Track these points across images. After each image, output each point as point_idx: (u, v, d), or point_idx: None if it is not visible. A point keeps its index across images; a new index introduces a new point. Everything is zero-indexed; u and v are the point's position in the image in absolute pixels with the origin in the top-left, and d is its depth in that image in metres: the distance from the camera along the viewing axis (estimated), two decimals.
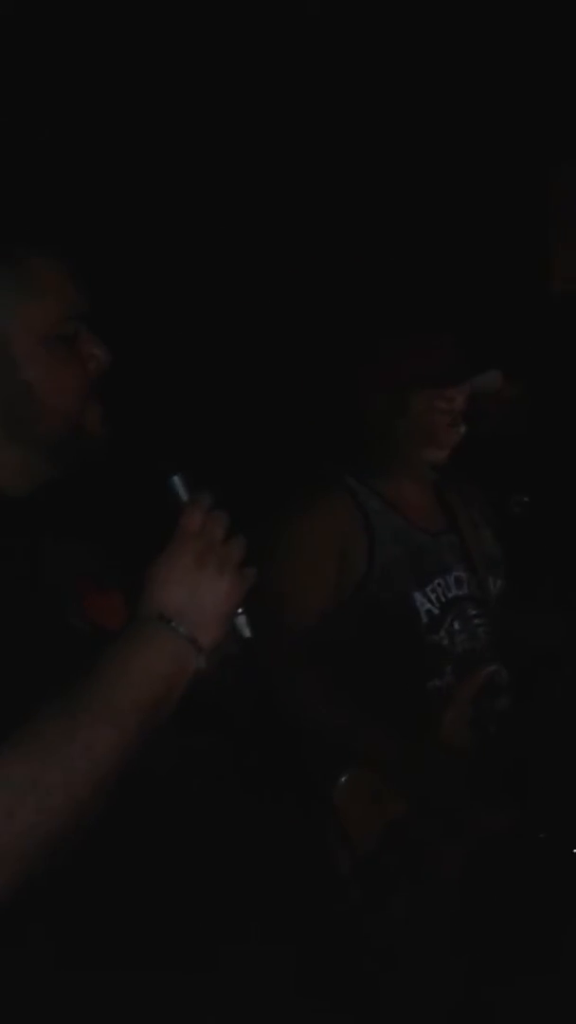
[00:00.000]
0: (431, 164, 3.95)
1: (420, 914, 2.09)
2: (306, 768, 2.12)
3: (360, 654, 2.14)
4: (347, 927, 2.09)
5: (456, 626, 2.21)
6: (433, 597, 2.20)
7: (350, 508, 2.17)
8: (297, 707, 2.06)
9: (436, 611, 2.19)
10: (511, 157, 4.05)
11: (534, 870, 2.38)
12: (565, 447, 3.14)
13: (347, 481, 2.21)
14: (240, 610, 1.28)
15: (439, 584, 2.21)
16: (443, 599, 2.21)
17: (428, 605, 2.18)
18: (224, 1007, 1.55)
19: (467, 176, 4.02)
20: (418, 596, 2.18)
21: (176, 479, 1.29)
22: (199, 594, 1.23)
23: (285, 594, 2.06)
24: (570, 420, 3.29)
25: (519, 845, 2.27)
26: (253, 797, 2.26)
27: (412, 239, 3.81)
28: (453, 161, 3.99)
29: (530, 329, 3.74)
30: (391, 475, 2.23)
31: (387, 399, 2.18)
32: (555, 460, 3.08)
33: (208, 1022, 1.59)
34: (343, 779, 2.06)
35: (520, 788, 2.24)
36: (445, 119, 3.92)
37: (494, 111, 3.93)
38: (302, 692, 2.05)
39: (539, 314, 3.91)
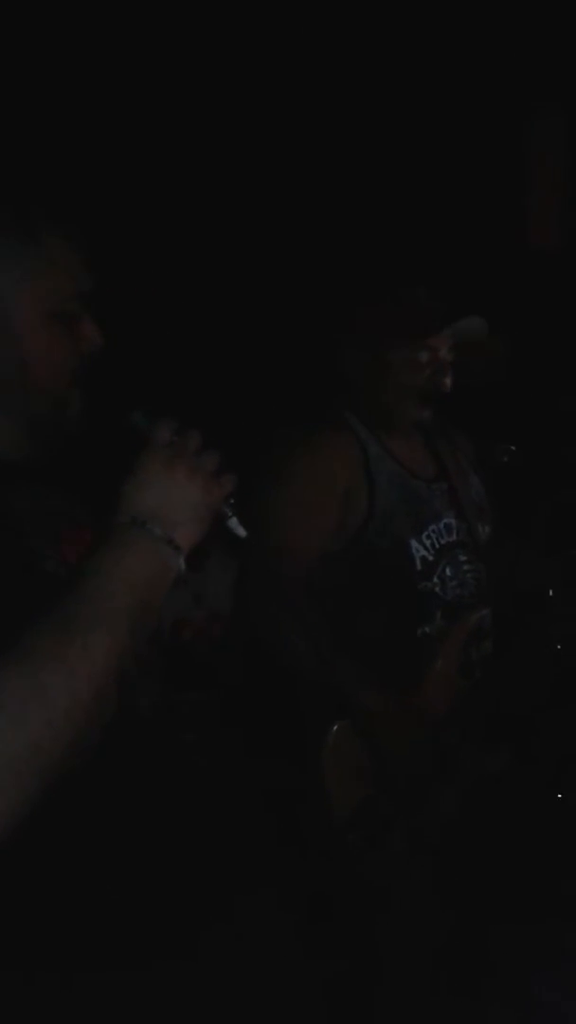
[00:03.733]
0: (407, 121, 3.93)
1: (415, 854, 2.13)
2: (297, 717, 2.15)
3: (352, 601, 2.16)
4: (343, 868, 2.12)
5: (448, 572, 2.23)
6: (428, 544, 2.22)
7: (353, 447, 2.18)
8: (289, 654, 2.08)
9: (430, 557, 2.21)
10: (487, 111, 4.03)
11: (527, 812, 2.42)
12: (543, 397, 3.16)
13: (350, 420, 2.22)
14: (230, 512, 1.30)
15: (433, 531, 2.23)
16: (437, 545, 2.23)
17: (423, 552, 2.21)
18: (221, 953, 1.57)
19: (442, 132, 4.00)
20: (414, 542, 2.20)
21: (136, 413, 1.34)
22: (170, 495, 1.25)
23: (287, 531, 2.07)
24: (548, 371, 3.31)
25: (513, 787, 2.31)
26: (245, 749, 2.28)
27: (389, 197, 3.80)
28: (429, 117, 3.96)
29: (508, 283, 3.75)
30: (382, 427, 2.24)
31: (368, 358, 2.20)
32: (535, 410, 3.10)
33: (205, 967, 1.62)
34: (335, 728, 2.08)
35: (509, 731, 2.28)
36: (421, 73, 3.89)
37: (471, 66, 3.90)
38: (295, 638, 2.07)
39: (516, 268, 3.91)
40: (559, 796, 2.46)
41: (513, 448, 2.21)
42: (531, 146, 4.06)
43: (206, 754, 2.27)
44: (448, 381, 2.20)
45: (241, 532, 1.32)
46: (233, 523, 1.32)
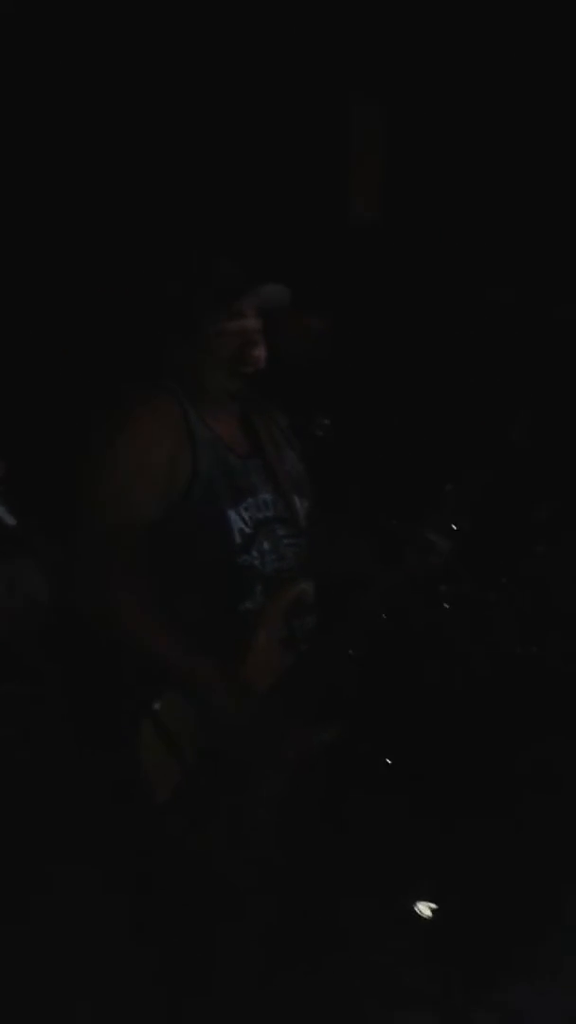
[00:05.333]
0: (226, 95, 3.90)
1: (243, 835, 2.11)
2: (117, 698, 2.10)
3: (175, 575, 2.13)
4: (170, 853, 2.09)
5: (266, 546, 2.23)
6: (247, 516, 2.21)
7: (177, 414, 2.18)
8: (116, 621, 2.04)
9: (248, 530, 2.20)
10: (308, 87, 4.04)
11: (357, 785, 2.44)
12: (364, 372, 3.19)
13: (174, 390, 2.22)
14: None
15: (251, 504, 2.23)
16: (255, 519, 2.22)
17: (241, 524, 2.20)
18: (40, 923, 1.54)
19: (262, 108, 3.99)
20: (232, 514, 2.19)
21: None
22: None
23: (114, 494, 2.08)
24: (369, 346, 3.34)
25: (341, 761, 2.32)
26: (65, 737, 2.23)
27: (208, 176, 3.77)
28: (250, 93, 3.94)
29: (330, 260, 3.77)
30: (200, 399, 2.23)
31: (180, 329, 2.20)
32: (356, 385, 3.13)
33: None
34: (158, 703, 2.05)
35: (336, 705, 2.29)
36: (244, 48, 3.87)
37: (293, 47, 3.91)
38: (120, 608, 2.03)
39: (338, 245, 3.93)
40: (388, 762, 2.49)
41: (327, 422, 2.22)
42: (350, 126, 4.10)
43: (26, 747, 2.21)
44: (260, 352, 2.20)
45: (10, 520, 1.26)
46: (2, 511, 1.26)
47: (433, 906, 2.50)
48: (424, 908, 2.52)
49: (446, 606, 2.54)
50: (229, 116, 3.79)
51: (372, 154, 4.04)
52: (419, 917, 2.51)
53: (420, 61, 3.99)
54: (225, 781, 2.08)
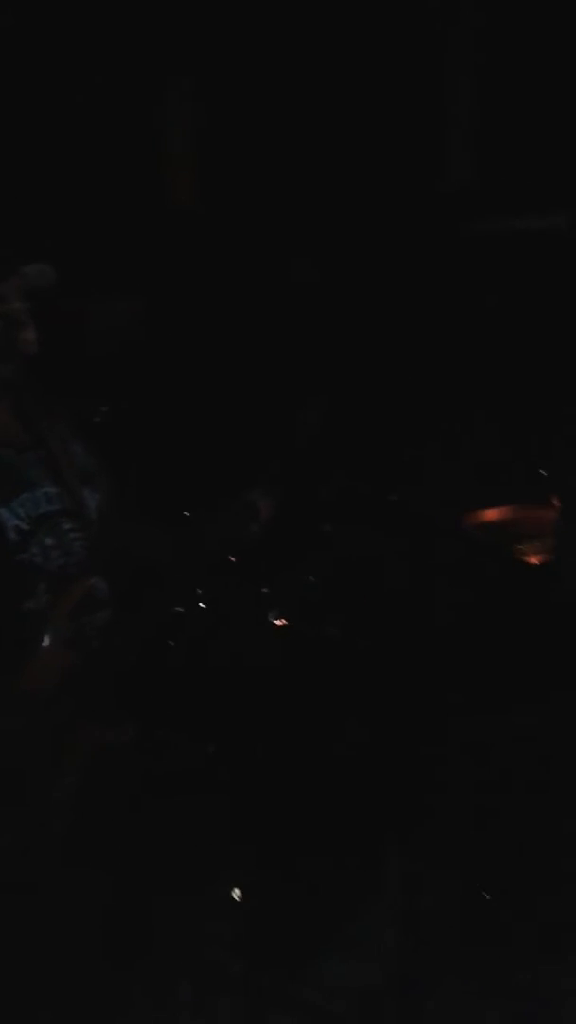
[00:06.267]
0: (35, 81, 3.80)
1: (32, 840, 2.04)
2: None
3: None
4: None
5: (49, 542, 2.15)
6: (21, 512, 2.12)
7: None
8: None
9: (25, 527, 2.12)
10: (120, 73, 3.97)
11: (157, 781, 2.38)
12: (176, 356, 3.13)
13: None
14: None
15: (27, 499, 2.14)
16: (33, 514, 2.13)
17: (16, 521, 2.11)
18: None
19: (74, 93, 3.90)
20: (3, 512, 2.10)
21: None
22: None
23: None
24: (183, 329, 3.29)
25: (137, 758, 2.25)
26: None
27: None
28: (62, 77, 3.85)
29: (146, 244, 3.70)
30: None
31: None
32: (165, 369, 3.07)
33: None
34: None
35: (130, 701, 2.22)
36: (57, 36, 3.79)
37: (109, 39, 3.84)
38: None
39: (154, 229, 3.87)
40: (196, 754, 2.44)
41: (105, 408, 2.14)
42: (163, 113, 4.04)
43: None
44: (28, 335, 2.11)
45: None
46: None
47: (240, 892, 2.48)
48: (233, 895, 2.49)
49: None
50: (31, 101, 3.68)
51: (184, 139, 4.00)
52: (229, 904, 2.48)
53: (231, 49, 3.96)
54: (9, 789, 2.00)
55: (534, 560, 3.01)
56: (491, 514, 3.28)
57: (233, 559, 2.54)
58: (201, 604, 2.42)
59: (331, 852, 2.57)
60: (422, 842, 2.59)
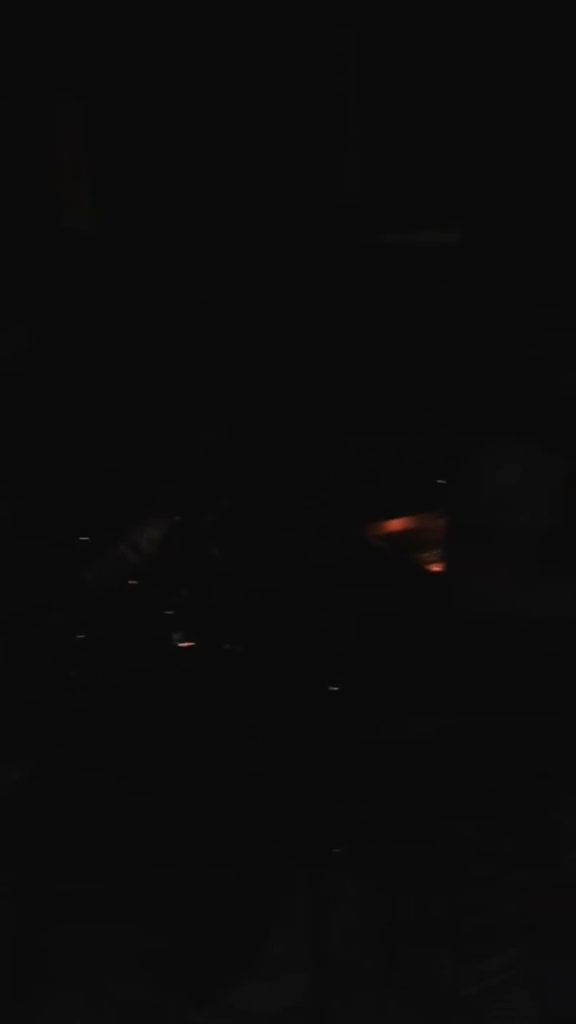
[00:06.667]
0: None
1: None
2: None
3: None
4: None
5: None
6: None
7: None
8: None
9: None
10: (13, 89, 3.93)
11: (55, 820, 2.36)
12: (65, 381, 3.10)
13: None
14: None
15: None
16: None
17: None
18: None
19: None
20: None
21: None
22: None
23: None
24: (73, 355, 3.26)
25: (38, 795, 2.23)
26: None
27: None
28: None
29: (37, 269, 3.66)
30: None
31: None
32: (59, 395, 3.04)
33: None
34: None
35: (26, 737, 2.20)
36: None
37: None
38: None
39: (47, 253, 3.82)
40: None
41: None
42: (55, 131, 4.00)
43: None
44: None
45: None
46: None
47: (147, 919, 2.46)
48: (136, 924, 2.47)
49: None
50: None
51: (78, 160, 3.96)
52: (131, 933, 2.46)
53: (125, 64, 3.94)
54: None
55: (436, 569, 3.02)
56: (394, 524, 3.31)
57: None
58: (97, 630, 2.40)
59: (238, 875, 2.56)
60: (330, 863, 2.58)
